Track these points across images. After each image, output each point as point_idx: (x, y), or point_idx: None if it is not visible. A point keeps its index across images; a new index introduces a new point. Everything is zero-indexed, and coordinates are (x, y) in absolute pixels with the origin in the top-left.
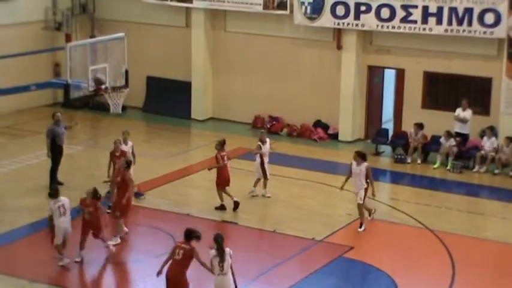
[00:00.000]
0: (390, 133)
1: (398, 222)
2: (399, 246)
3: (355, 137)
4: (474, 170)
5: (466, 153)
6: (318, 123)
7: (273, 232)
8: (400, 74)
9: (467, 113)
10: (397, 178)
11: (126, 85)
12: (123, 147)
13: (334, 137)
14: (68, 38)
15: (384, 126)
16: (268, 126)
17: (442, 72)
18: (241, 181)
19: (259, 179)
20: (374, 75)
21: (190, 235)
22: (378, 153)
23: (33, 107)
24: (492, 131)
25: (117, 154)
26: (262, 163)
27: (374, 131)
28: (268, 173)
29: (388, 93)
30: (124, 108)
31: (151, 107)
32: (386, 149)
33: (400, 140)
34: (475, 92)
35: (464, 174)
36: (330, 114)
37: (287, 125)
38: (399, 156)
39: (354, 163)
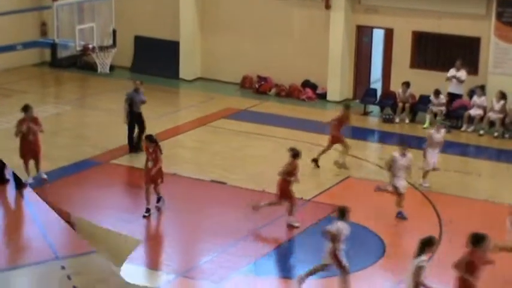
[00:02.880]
0: (378, 93)
1: (386, 181)
2: (386, 205)
3: (344, 97)
4: (462, 129)
5: (453, 112)
6: (307, 83)
7: (262, 192)
8: (389, 34)
9: (462, 73)
10: (385, 138)
11: (114, 45)
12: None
13: (323, 97)
14: None
15: (372, 86)
16: (257, 86)
17: (430, 31)
18: (226, 141)
19: (427, 171)
20: (363, 35)
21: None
22: (366, 113)
23: (19, 66)
24: (483, 90)
25: (151, 151)
26: (424, 151)
27: (362, 91)
28: (431, 163)
29: (376, 53)
30: (112, 68)
31: (139, 66)
32: (374, 108)
33: (388, 100)
34: (463, 52)
35: (452, 133)
36: (318, 74)
37: (275, 85)
38: (387, 116)
39: None
